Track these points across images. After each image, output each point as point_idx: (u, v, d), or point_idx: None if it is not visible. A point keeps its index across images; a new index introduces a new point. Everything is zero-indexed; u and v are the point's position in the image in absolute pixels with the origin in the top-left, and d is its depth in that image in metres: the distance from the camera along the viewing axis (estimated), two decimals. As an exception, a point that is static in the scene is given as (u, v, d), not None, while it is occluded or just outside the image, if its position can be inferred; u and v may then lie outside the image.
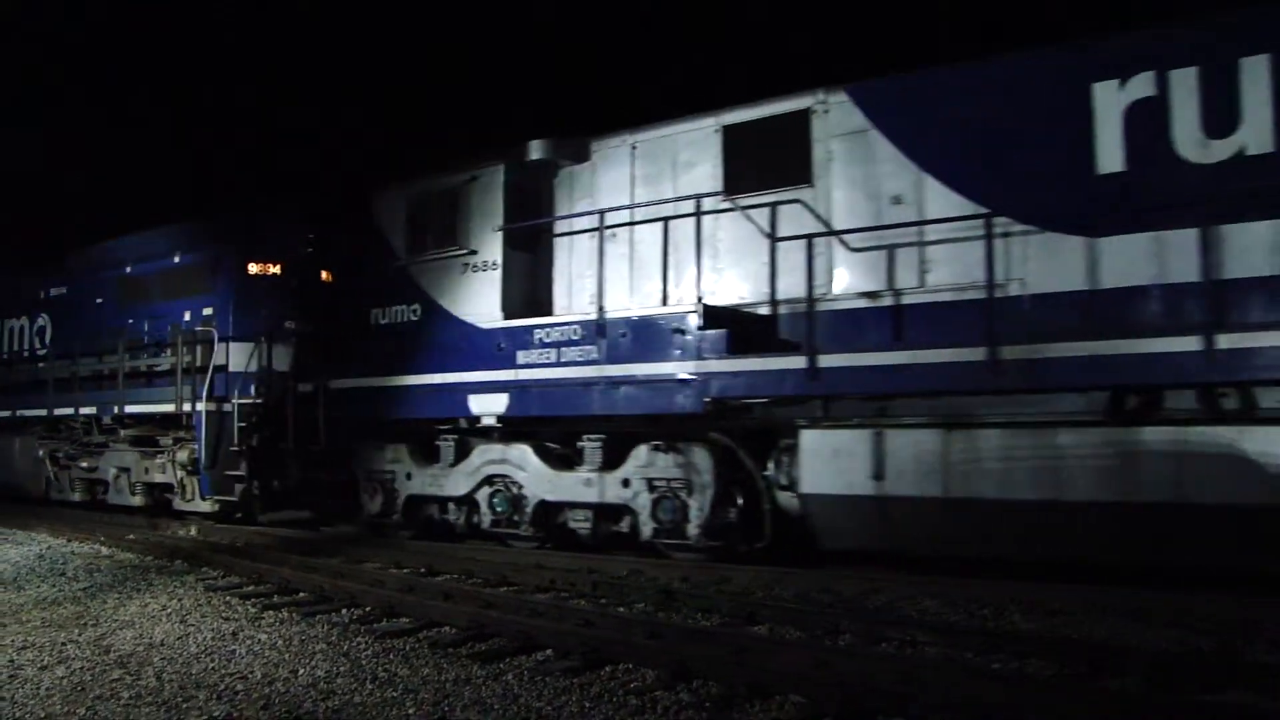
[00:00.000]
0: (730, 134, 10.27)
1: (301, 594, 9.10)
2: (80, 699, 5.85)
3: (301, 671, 6.36)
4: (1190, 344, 7.49)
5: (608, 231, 10.61)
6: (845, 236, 9.43)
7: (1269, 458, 7.28)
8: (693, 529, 9.96)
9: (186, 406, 14.27)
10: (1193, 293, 7.78)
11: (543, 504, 11.08)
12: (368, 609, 8.31)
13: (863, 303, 9.28)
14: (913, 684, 5.39)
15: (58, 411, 16.93)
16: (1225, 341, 7.37)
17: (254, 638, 7.33)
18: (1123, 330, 7.88)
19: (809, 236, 9.33)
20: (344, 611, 8.31)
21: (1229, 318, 7.57)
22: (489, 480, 11.55)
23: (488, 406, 11.10)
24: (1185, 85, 8.14)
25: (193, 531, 13.93)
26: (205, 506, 14.58)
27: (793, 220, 9.74)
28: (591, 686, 5.88)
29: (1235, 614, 6.97)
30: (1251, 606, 7.09)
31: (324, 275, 14.04)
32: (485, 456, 11.54)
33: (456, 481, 11.81)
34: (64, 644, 7.22)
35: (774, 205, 9.80)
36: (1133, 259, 8.16)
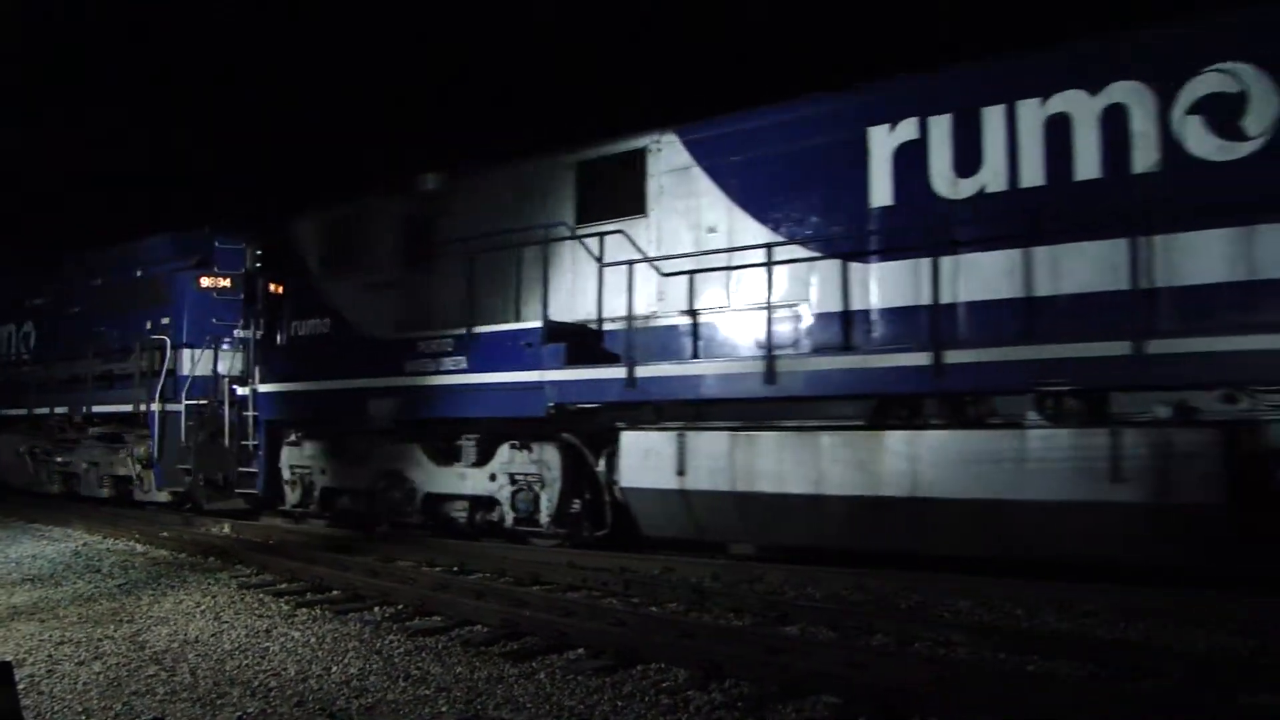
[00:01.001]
0: (583, 169, 11.37)
1: (334, 592, 9.15)
2: (117, 694, 5.90)
3: (334, 669, 6.39)
4: (924, 359, 8.59)
5: (477, 255, 11.69)
6: (663, 261, 10.54)
7: (988, 457, 8.40)
8: (544, 518, 11.17)
9: (144, 407, 16.02)
10: (966, 311, 8.85)
11: (429, 496, 12.31)
12: (400, 607, 8.33)
13: (683, 320, 10.38)
14: (947, 685, 5.34)
15: (36, 411, 18.87)
16: (958, 357, 8.47)
17: (287, 635, 7.38)
18: (883, 346, 9.17)
19: (629, 262, 10.47)
20: (376, 609, 8.34)
21: (964, 336, 8.71)
22: (387, 475, 12.76)
23: (383, 409, 12.44)
24: (941, 130, 9.18)
25: (226, 529, 14.04)
26: (161, 497, 16.31)
27: (630, 247, 10.79)
28: (624, 685, 5.88)
29: (1275, 616, 6.87)
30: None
31: (274, 288, 14.85)
32: (382, 453, 12.81)
33: (363, 476, 13.03)
34: (100, 640, 7.29)
35: (603, 234, 10.95)
36: (896, 284, 9.23)
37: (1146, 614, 7.23)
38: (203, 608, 8.45)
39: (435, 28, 35.52)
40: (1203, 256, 7.90)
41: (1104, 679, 5.77)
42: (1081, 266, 8.37)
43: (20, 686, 5.29)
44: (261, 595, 9.07)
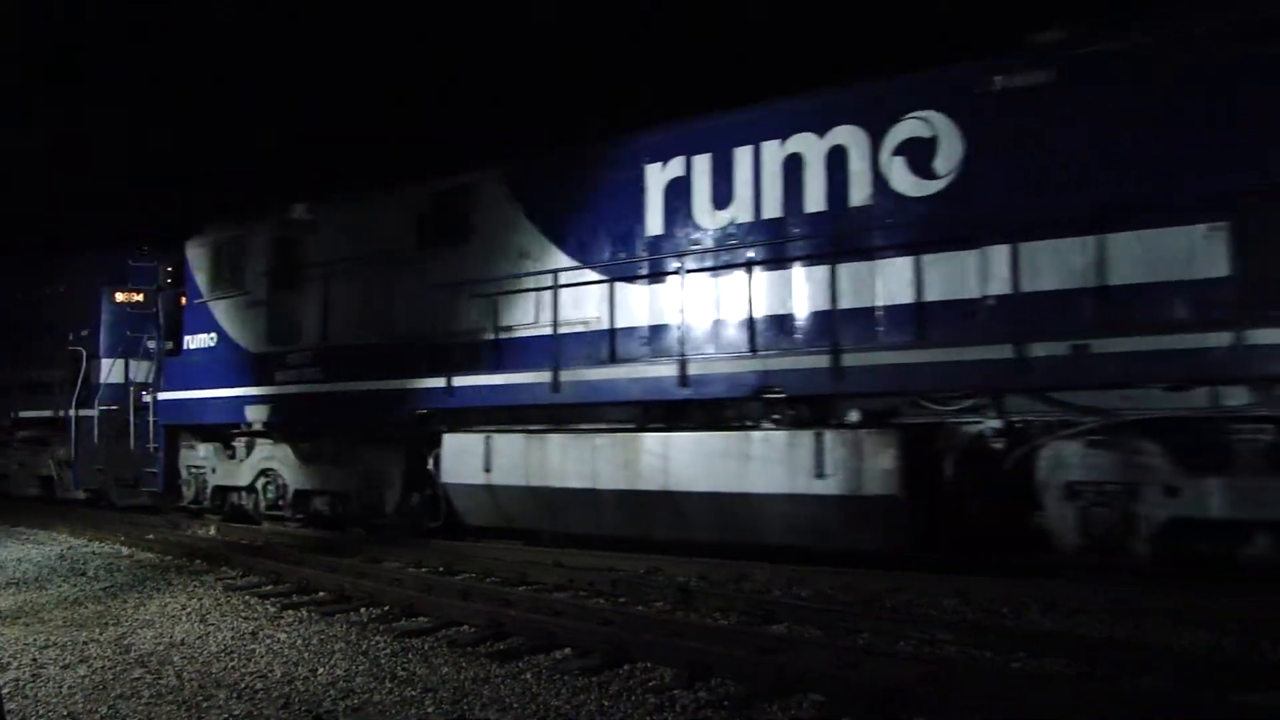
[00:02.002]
0: (424, 201, 12.41)
1: (321, 593, 9.13)
2: (102, 697, 5.87)
3: (321, 670, 6.38)
4: (674, 370, 9.93)
5: (332, 276, 13.09)
6: (479, 284, 11.62)
7: (722, 456, 9.59)
8: (388, 509, 12.66)
9: (63, 412, 17.44)
10: (711, 329, 10.02)
11: (299, 491, 13.67)
12: (386, 608, 8.32)
13: (497, 336, 11.38)
14: (934, 683, 5.36)
15: None
16: (698, 369, 9.84)
17: (273, 637, 7.36)
18: (645, 359, 10.26)
19: (451, 285, 11.70)
20: (363, 610, 8.34)
21: (708, 350, 9.96)
22: (264, 473, 14.25)
23: (258, 415, 13.80)
24: (703, 167, 10.26)
25: (212, 531, 14.03)
26: (79, 495, 17.67)
27: (460, 271, 11.82)
28: (610, 685, 5.88)
29: (1262, 614, 6.90)
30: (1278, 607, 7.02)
31: (183, 303, 15.80)
32: (260, 454, 14.28)
33: (244, 474, 14.48)
34: (85, 643, 7.26)
35: (438, 260, 12.03)
36: (660, 304, 10.34)
37: (1134, 613, 7.25)
38: (188, 610, 8.42)
39: (433, 28, 35.44)
40: (894, 281, 9.06)
41: (1092, 677, 5.80)
42: (808, 289, 9.53)
43: (5, 691, 5.27)
44: (248, 597, 9.04)
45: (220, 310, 14.56)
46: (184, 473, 15.42)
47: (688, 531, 10.06)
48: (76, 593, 9.49)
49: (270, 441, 14.06)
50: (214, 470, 14.98)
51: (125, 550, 12.60)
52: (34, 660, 6.76)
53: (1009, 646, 6.40)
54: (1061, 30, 8.68)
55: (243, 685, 6.08)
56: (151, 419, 15.47)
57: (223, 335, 14.50)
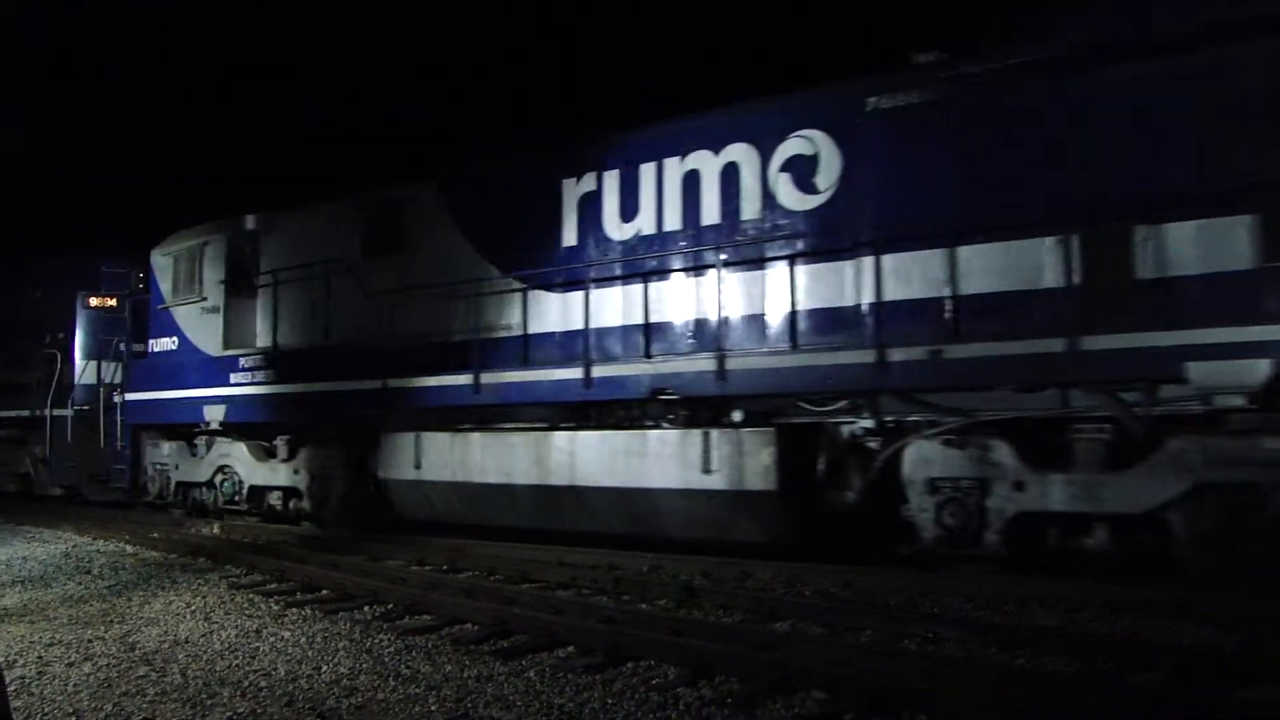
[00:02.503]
0: (366, 212, 13.26)
1: (324, 591, 9.15)
2: (107, 695, 5.89)
3: (325, 669, 6.40)
4: (579, 373, 10.68)
5: (281, 284, 13.95)
6: (414, 292, 12.28)
7: (622, 453, 10.42)
8: (334, 504, 13.39)
9: (40, 412, 18.27)
10: (614, 334, 10.69)
11: (253, 487, 14.52)
12: (390, 606, 8.34)
13: (429, 340, 12.05)
14: (936, 680, 5.37)
15: None
16: (600, 372, 10.55)
17: (277, 635, 7.38)
18: (557, 362, 10.94)
19: (386, 293, 12.44)
20: (366, 609, 8.36)
21: (611, 354, 10.63)
22: (221, 469, 15.01)
23: (214, 415, 14.68)
24: (611, 183, 10.89)
25: (216, 530, 14.06)
26: (55, 491, 18.62)
27: (400, 278, 12.49)
28: (613, 683, 5.89)
29: (1262, 611, 6.90)
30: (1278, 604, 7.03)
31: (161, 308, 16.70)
32: (217, 451, 15.09)
33: (204, 470, 15.31)
34: (90, 641, 7.28)
35: (380, 267, 12.76)
36: (570, 311, 10.97)
37: (1135, 609, 7.26)
38: (193, 608, 8.45)
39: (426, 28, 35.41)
40: (777, 289, 9.67)
41: (1093, 673, 5.81)
42: (700, 297, 10.17)
43: (11, 688, 5.30)
44: (251, 595, 9.07)
45: (181, 315, 15.41)
46: (149, 469, 16.38)
47: (595, 524, 10.85)
48: (82, 591, 9.52)
49: (228, 440, 14.93)
50: (176, 467, 15.87)
51: (130, 549, 12.63)
52: (40, 658, 6.78)
53: (1011, 644, 6.41)
54: (930, 55, 9.24)
55: (247, 683, 6.10)
56: (119, 419, 16.52)
57: (183, 339, 15.35)
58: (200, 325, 15.01)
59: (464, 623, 7.62)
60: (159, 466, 16.23)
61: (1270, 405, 7.48)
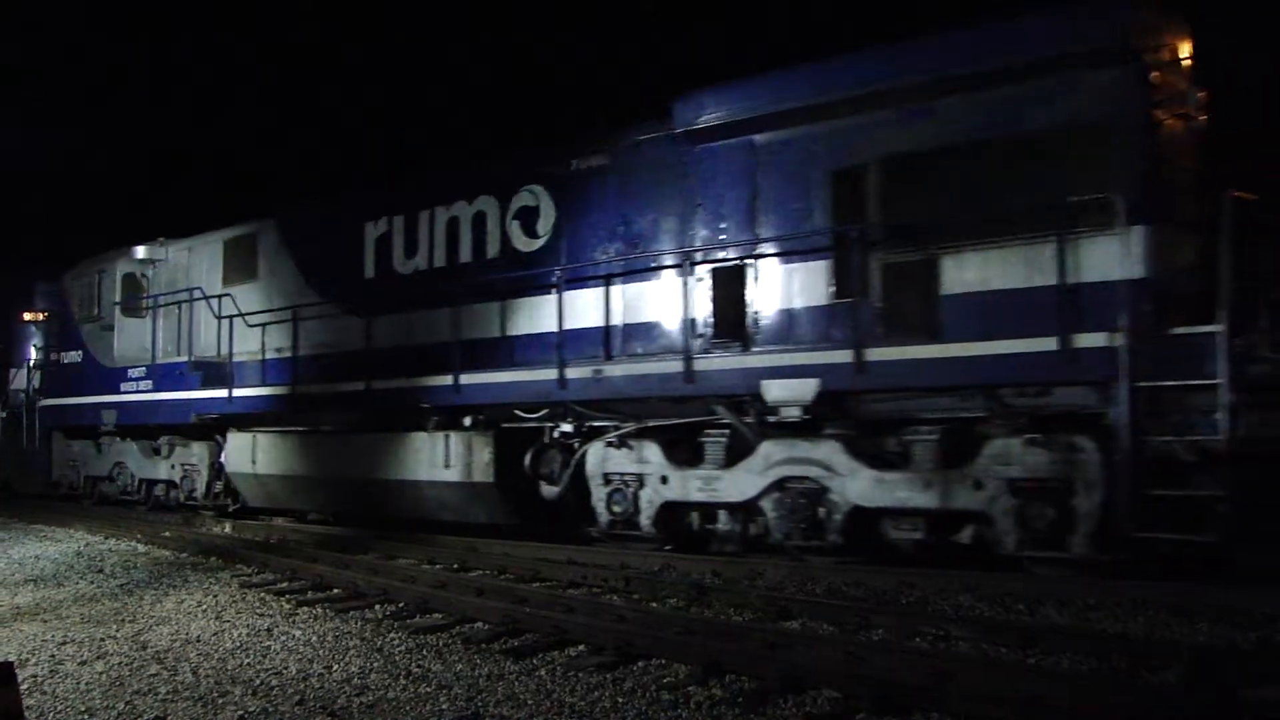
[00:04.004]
0: (226, 245, 15.63)
1: (335, 590, 9.16)
2: (119, 693, 5.91)
3: (336, 667, 6.41)
4: (360, 386, 12.71)
5: (161, 307, 16.37)
6: (250, 316, 14.55)
7: (392, 451, 12.46)
8: (199, 494, 15.82)
9: None
10: (407, 354, 12.46)
11: (142, 480, 17.16)
12: (401, 605, 8.35)
13: (269, 355, 14.21)
14: (947, 679, 5.35)
15: None
16: (381, 384, 12.53)
17: (288, 634, 7.39)
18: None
19: (230, 316, 14.65)
20: (377, 608, 8.36)
21: (391, 368, 12.48)
22: (118, 465, 17.67)
23: (109, 418, 16.97)
24: (399, 225, 13.01)
25: (227, 528, 14.09)
26: None
27: (250, 303, 14.69)
28: (624, 682, 5.89)
29: (1278, 609, 6.87)
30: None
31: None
32: (115, 449, 17.68)
33: (105, 465, 17.99)
34: (103, 639, 7.31)
35: (235, 294, 14.90)
36: (381, 332, 12.85)
37: (1148, 607, 7.23)
38: (204, 607, 8.47)
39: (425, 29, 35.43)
40: (505, 318, 11.72)
41: (1106, 672, 5.78)
42: (449, 325, 11.85)
43: (23, 687, 5.30)
44: (263, 594, 9.09)
45: (85, 331, 17.86)
46: (64, 466, 19.06)
47: (383, 510, 13.01)
48: (94, 590, 9.55)
49: (121, 440, 17.42)
50: (84, 463, 18.53)
51: (141, 547, 12.67)
52: (52, 656, 6.81)
53: (1023, 642, 6.39)
54: (612, 125, 11.32)
55: (258, 682, 6.11)
56: (36, 422, 19.13)
57: (86, 353, 17.81)
58: (99, 341, 17.45)
59: (475, 621, 7.62)
60: (71, 463, 18.88)
61: (820, 414, 9.23)
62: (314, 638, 7.25)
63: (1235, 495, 7.32)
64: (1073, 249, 8.06)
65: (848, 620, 7.22)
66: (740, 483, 9.70)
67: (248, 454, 14.53)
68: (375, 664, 6.46)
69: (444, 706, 5.52)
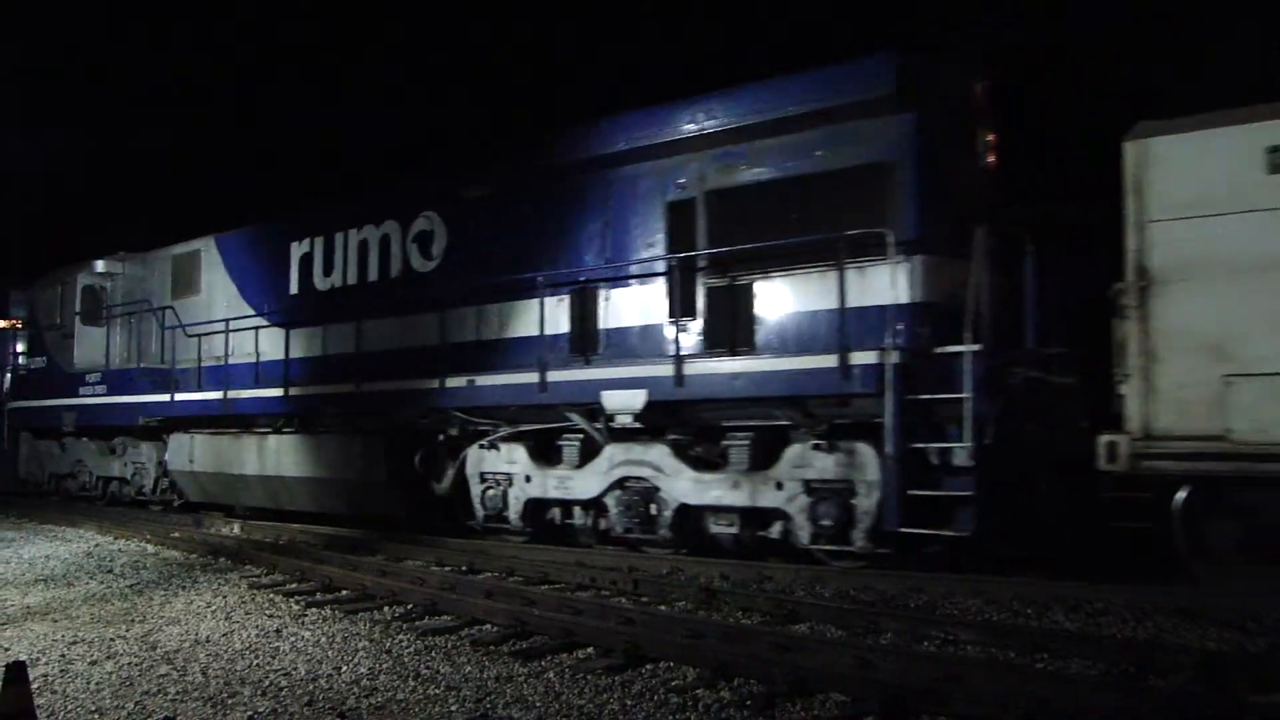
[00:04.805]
0: (174, 261, 17.11)
1: (344, 591, 9.18)
2: (129, 694, 5.94)
3: (344, 668, 6.42)
4: (280, 392, 14.03)
5: (117, 317, 17.82)
6: (190, 327, 15.84)
7: (297, 452, 13.95)
8: (147, 490, 17.36)
9: None
10: (319, 364, 13.87)
11: (99, 477, 18.60)
12: (409, 607, 8.37)
13: (205, 363, 15.36)
14: (955, 682, 5.35)
15: None
16: (297, 391, 13.86)
17: (297, 635, 7.41)
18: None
19: (172, 327, 16.07)
20: (386, 609, 8.38)
21: (302, 378, 13.87)
22: (78, 462, 19.15)
23: (69, 420, 18.43)
24: (320, 247, 14.25)
25: (236, 529, 14.13)
26: None
27: (193, 316, 16.03)
28: (633, 684, 5.89)
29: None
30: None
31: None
32: (76, 448, 19.15)
33: (66, 464, 19.50)
34: (112, 639, 7.34)
35: (181, 306, 16.39)
36: (299, 344, 14.11)
37: (1157, 612, 7.22)
38: (213, 608, 8.50)
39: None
40: (399, 333, 12.79)
41: (1114, 676, 5.77)
42: (355, 338, 13.02)
43: (34, 686, 5.32)
44: (272, 595, 9.11)
45: (49, 339, 19.25)
46: (31, 464, 20.57)
47: (296, 504, 14.30)
48: (103, 590, 9.58)
49: (80, 440, 18.89)
50: (49, 461, 20.03)
51: (151, 548, 12.71)
52: (62, 656, 6.84)
53: (1032, 647, 6.38)
54: (496, 156, 12.62)
55: (267, 683, 6.13)
56: (5, 424, 20.83)
57: (50, 358, 19.21)
58: (61, 347, 18.80)
59: (483, 623, 7.63)
60: (38, 461, 20.41)
61: (655, 422, 10.23)
62: (323, 639, 7.27)
63: (983, 495, 8.29)
64: (855, 276, 9.06)
65: (856, 624, 7.23)
66: (588, 482, 10.85)
67: (186, 454, 15.90)
68: (384, 665, 6.48)
69: (453, 708, 5.53)
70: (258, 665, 6.56)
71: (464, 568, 10.33)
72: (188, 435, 15.81)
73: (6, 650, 6.97)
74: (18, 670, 4.46)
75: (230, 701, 5.76)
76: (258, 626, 7.72)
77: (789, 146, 9.75)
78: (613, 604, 8.06)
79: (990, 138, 9.65)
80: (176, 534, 13.45)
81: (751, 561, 9.61)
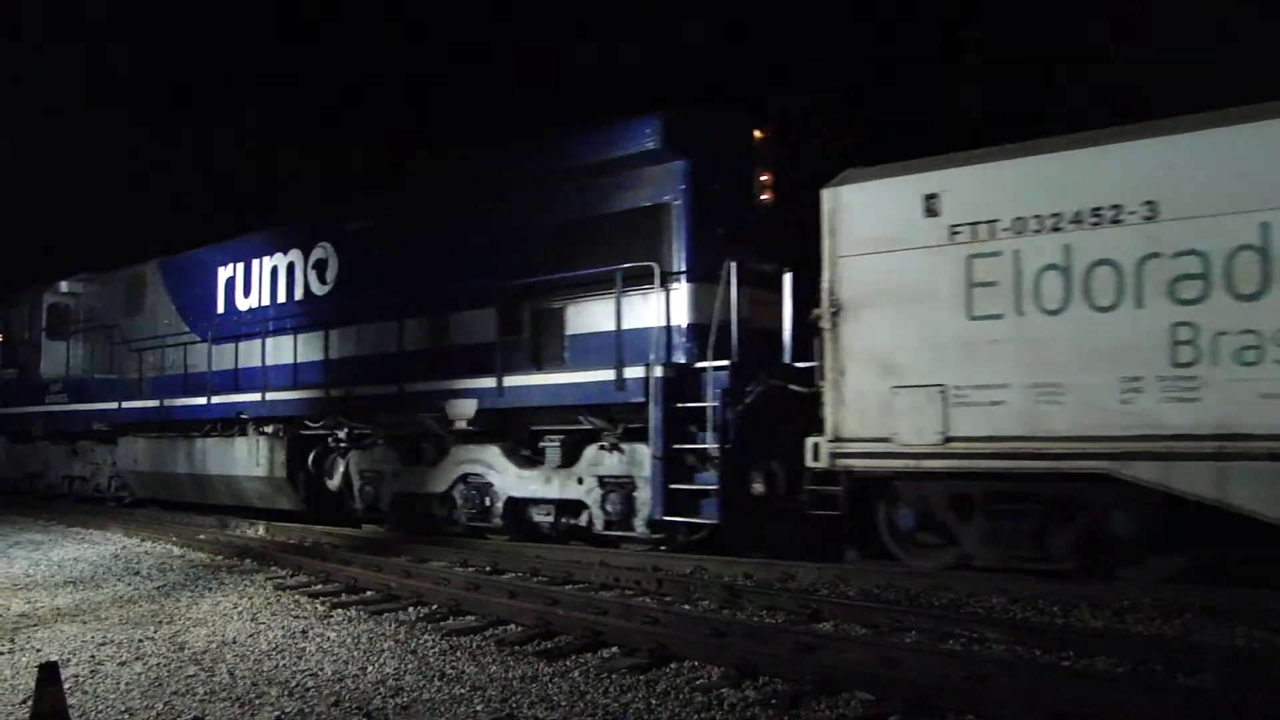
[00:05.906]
0: (128, 282, 18.80)
1: (369, 592, 9.22)
2: (158, 694, 5.98)
3: (370, 669, 6.45)
4: (202, 400, 16.09)
5: (75, 333, 19.83)
6: (136, 343, 17.96)
7: (222, 453, 15.87)
8: (103, 488, 19.54)
9: None
10: (233, 376, 15.65)
11: (64, 476, 20.74)
12: (434, 607, 8.40)
13: (146, 374, 17.56)
14: (981, 681, 5.33)
15: None
16: (218, 399, 15.88)
17: (323, 635, 7.45)
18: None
19: (122, 342, 18.43)
20: (411, 610, 8.41)
21: (224, 387, 15.78)
22: (48, 463, 21.13)
23: (38, 426, 20.84)
24: (241, 271, 16.10)
25: (261, 531, 14.21)
26: None
27: (142, 332, 18.05)
28: (658, 684, 5.90)
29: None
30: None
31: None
32: (42, 452, 21.33)
33: (36, 465, 21.59)
34: (141, 641, 7.39)
35: (129, 324, 18.38)
36: (219, 358, 15.84)
37: (1183, 610, 7.18)
38: (240, 609, 8.55)
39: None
40: (302, 348, 14.59)
41: (1141, 674, 5.74)
42: (270, 351, 14.81)
43: (65, 686, 5.37)
44: (297, 596, 9.16)
45: (21, 351, 21.18)
46: (9, 465, 22.64)
47: (221, 499, 16.13)
48: (131, 591, 9.66)
49: (48, 443, 21.03)
50: (23, 463, 22.08)
51: (177, 550, 12.80)
52: (92, 657, 6.90)
53: (1058, 645, 6.36)
54: (374, 194, 14.85)
55: (294, 683, 6.17)
56: None
57: (22, 369, 21.14)
58: (29, 359, 20.71)
59: (508, 623, 7.66)
60: (16, 462, 22.46)
61: (491, 426, 11.92)
62: (349, 639, 7.30)
63: (724, 488, 9.85)
64: (635, 302, 10.70)
65: (881, 622, 7.22)
66: (439, 477, 12.66)
67: (133, 455, 18.06)
68: (410, 665, 6.50)
69: (478, 708, 5.55)
70: (284, 666, 6.60)
71: (488, 568, 10.36)
72: (134, 439, 17.92)
73: (38, 651, 7.04)
74: (50, 671, 4.51)
75: (258, 702, 5.79)
76: (284, 627, 7.76)
77: (591, 189, 11.35)
78: (637, 603, 8.07)
79: (765, 178, 11.07)
80: (202, 536, 13.54)
81: (775, 560, 9.61)
